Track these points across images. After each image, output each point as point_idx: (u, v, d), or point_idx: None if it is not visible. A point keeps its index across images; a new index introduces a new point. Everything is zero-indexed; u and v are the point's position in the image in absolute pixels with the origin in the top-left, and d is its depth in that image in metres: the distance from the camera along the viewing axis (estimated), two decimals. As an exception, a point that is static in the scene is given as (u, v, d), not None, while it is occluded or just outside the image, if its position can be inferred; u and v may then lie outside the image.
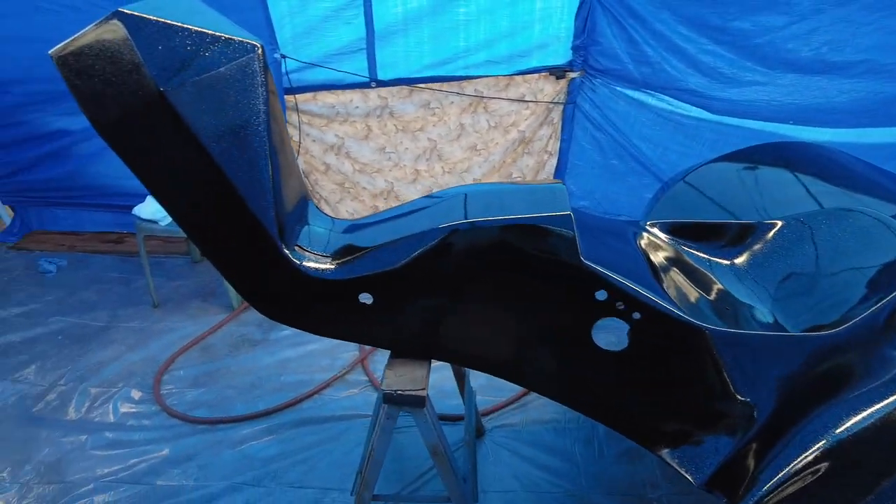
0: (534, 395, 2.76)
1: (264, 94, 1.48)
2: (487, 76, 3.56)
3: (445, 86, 3.57)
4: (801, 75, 3.39)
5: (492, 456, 2.47)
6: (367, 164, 3.77)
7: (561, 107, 3.68)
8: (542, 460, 2.45)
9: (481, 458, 2.45)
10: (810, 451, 1.38)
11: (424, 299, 1.56)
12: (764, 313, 1.65)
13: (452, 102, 3.63)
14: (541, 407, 2.70)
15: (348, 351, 3.05)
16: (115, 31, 1.24)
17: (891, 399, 1.40)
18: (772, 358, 1.46)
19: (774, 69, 3.39)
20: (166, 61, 1.31)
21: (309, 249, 1.59)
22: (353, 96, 3.58)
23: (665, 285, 1.70)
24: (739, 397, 1.47)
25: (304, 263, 1.54)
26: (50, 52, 1.22)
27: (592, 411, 1.62)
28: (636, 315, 1.46)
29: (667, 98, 3.51)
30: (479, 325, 1.58)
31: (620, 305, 1.45)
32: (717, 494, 1.45)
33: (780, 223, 1.82)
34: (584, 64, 3.53)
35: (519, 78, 3.58)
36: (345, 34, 3.38)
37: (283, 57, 3.46)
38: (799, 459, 1.38)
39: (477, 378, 2.77)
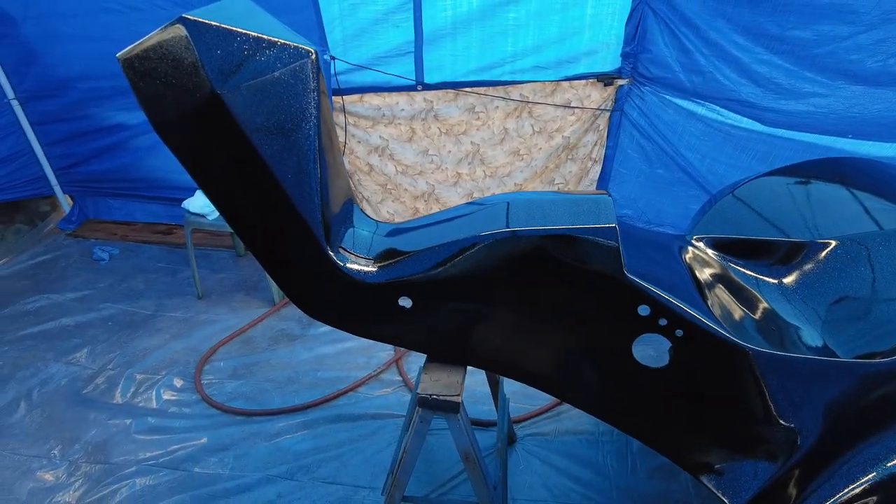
0: (567, 405, 2.73)
1: (316, 98, 1.51)
2: (534, 81, 3.54)
3: (491, 90, 3.57)
4: (864, 87, 3.26)
5: (522, 464, 2.46)
6: (409, 165, 3.80)
7: (607, 114, 3.64)
8: (573, 471, 2.43)
9: (512, 466, 2.44)
10: (858, 483, 1.32)
11: (463, 306, 1.56)
12: (812, 336, 1.59)
13: (497, 107, 3.62)
14: (574, 417, 2.67)
15: (384, 350, 3.08)
16: (177, 34, 1.29)
17: None
18: (819, 383, 1.41)
19: (835, 80, 3.27)
20: (224, 64, 1.36)
21: (352, 251, 1.61)
22: (399, 99, 3.62)
23: (709, 303, 1.67)
24: (783, 422, 1.42)
25: (348, 265, 1.57)
26: (117, 55, 1.27)
27: (628, 427, 1.60)
28: (678, 332, 1.43)
29: (717, 108, 3.43)
30: (516, 334, 1.58)
31: (663, 321, 1.43)
32: None
33: (833, 243, 1.76)
34: (633, 71, 3.47)
35: (566, 84, 3.56)
36: (394, 37, 3.42)
37: (333, 59, 3.51)
38: (846, 491, 1.33)
39: (510, 385, 2.77)
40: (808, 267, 1.77)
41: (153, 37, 1.28)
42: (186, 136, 1.43)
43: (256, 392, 2.83)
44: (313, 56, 1.50)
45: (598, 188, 3.88)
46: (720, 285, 1.76)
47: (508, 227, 1.49)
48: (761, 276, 1.79)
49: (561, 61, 3.47)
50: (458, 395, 1.59)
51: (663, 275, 1.57)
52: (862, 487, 1.32)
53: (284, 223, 1.53)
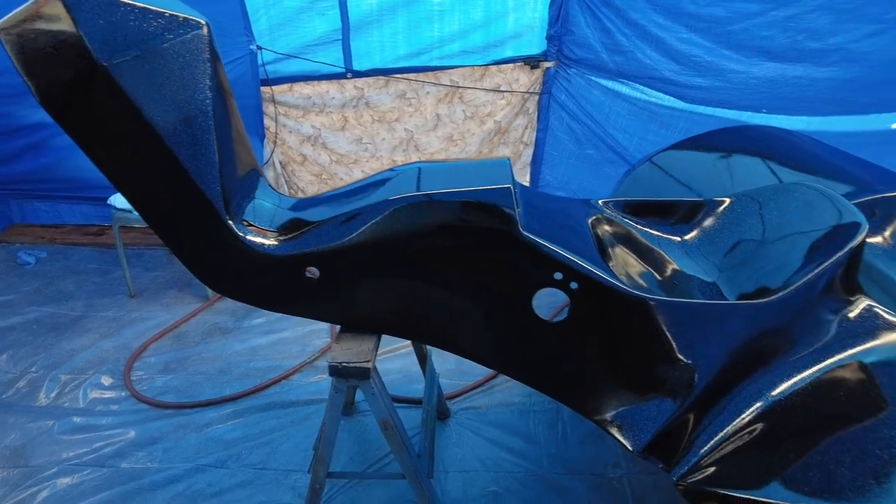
0: (501, 378, 2.77)
1: (210, 69, 1.50)
2: (463, 66, 3.58)
3: (421, 76, 3.59)
4: (777, 63, 3.41)
5: (455, 437, 2.48)
6: (343, 154, 3.79)
7: (536, 97, 3.70)
8: (505, 441, 2.46)
9: (444, 440, 2.46)
10: (746, 413, 1.39)
11: (368, 274, 1.57)
12: (708, 284, 1.66)
13: (428, 93, 3.64)
14: (506, 390, 2.71)
15: (320, 338, 3.06)
16: (54, 3, 1.26)
17: (825, 363, 1.42)
18: (711, 326, 1.47)
19: (751, 57, 3.40)
20: (108, 36, 1.33)
21: (255, 224, 1.60)
22: (330, 87, 3.61)
23: (610, 258, 1.72)
24: (679, 366, 1.48)
25: (249, 238, 1.56)
26: (-8, 27, 1.23)
27: (537, 382, 1.64)
28: (573, 285, 1.47)
29: (641, 87, 3.53)
30: (421, 298, 1.60)
31: (558, 275, 1.47)
32: (654, 461, 1.46)
33: (728, 200, 1.83)
34: (559, 54, 3.55)
35: (494, 68, 3.60)
36: (320, 25, 3.40)
37: (259, 48, 3.48)
38: (735, 422, 1.39)
39: (446, 362, 2.80)
40: (706, 223, 1.84)
41: (29, 6, 1.25)
42: (77, 113, 1.40)
43: (188, 385, 2.77)
44: (205, 27, 1.49)
45: (531, 171, 3.94)
46: (623, 243, 1.81)
47: (407, 194, 1.51)
48: (663, 234, 1.85)
49: (488, 45, 3.51)
50: (368, 361, 1.60)
51: (563, 234, 1.61)
52: (750, 417, 1.39)
53: (182, 197, 1.51)
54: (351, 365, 1.60)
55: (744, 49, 3.36)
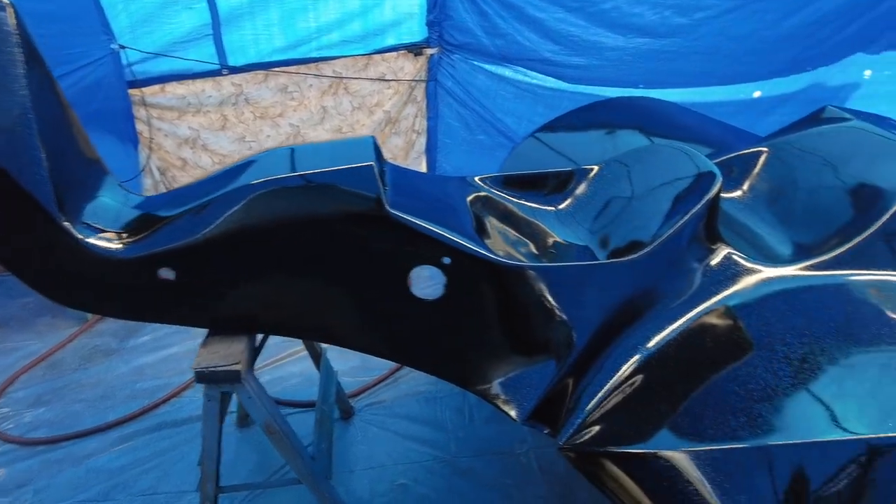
0: (405, 370, 2.72)
1: (21, 56, 1.34)
2: (344, 56, 3.49)
3: (302, 68, 3.47)
4: (649, 39, 3.55)
5: (360, 435, 2.40)
6: (226, 155, 3.60)
7: (423, 85, 3.67)
8: (412, 432, 2.41)
9: (349, 439, 2.38)
10: (623, 369, 1.41)
11: (231, 270, 1.47)
12: (583, 249, 1.68)
13: (311, 85, 3.53)
14: (412, 380, 2.66)
15: (214, 349, 2.88)
16: None
17: (692, 312, 1.45)
18: (583, 288, 1.47)
19: (624, 34, 3.53)
20: None
21: (97, 225, 1.46)
22: (205, 85, 3.41)
23: (487, 232, 1.70)
24: (557, 330, 1.47)
25: (90, 240, 1.41)
26: None
27: (422, 363, 1.59)
28: (445, 260, 1.43)
29: (523, 70, 3.58)
30: (294, 290, 1.51)
31: (429, 252, 1.42)
32: (540, 428, 1.46)
33: (597, 167, 1.87)
34: (441, 40, 3.53)
35: (377, 57, 3.54)
36: (188, 20, 3.21)
37: (122, 47, 3.24)
38: (613, 379, 1.40)
39: (349, 360, 2.72)
40: (578, 191, 1.87)
41: None
42: None
43: (64, 416, 2.53)
44: (10, 10, 1.33)
45: (427, 159, 3.91)
46: (499, 217, 1.80)
47: (264, 179, 1.42)
48: (538, 205, 1.85)
49: (367, 34, 3.44)
50: (237, 363, 1.49)
51: (435, 211, 1.57)
52: (627, 372, 1.40)
53: (6, 201, 1.35)
54: (219, 369, 1.49)
55: (617, 27, 3.48)
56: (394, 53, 3.53)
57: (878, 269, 1.53)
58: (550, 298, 1.46)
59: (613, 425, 1.36)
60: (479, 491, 2.17)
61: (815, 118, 2.05)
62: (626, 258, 1.48)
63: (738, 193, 1.96)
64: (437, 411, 2.50)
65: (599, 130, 2.30)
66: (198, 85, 3.40)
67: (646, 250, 1.47)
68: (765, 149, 2.01)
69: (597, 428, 1.37)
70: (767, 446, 1.15)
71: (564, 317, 1.47)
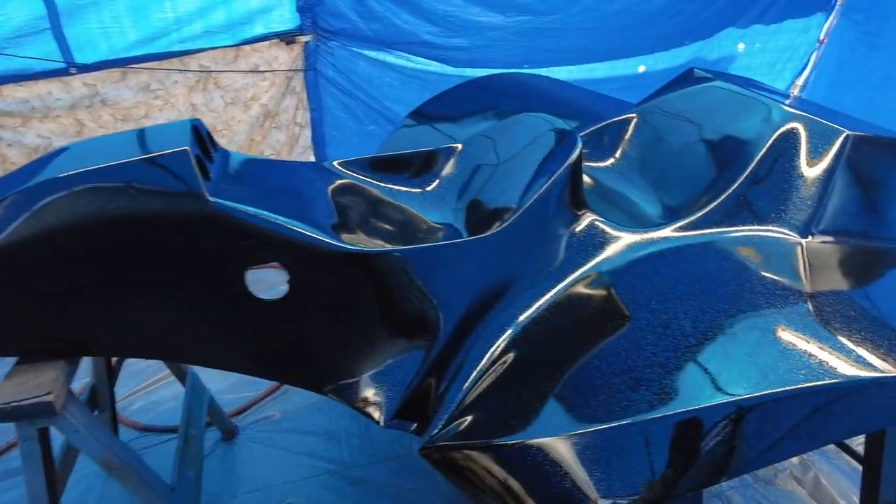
0: (295, 379, 2.53)
1: None
2: (211, 48, 3.23)
3: (164, 63, 3.18)
4: (531, 16, 3.50)
5: (244, 455, 2.20)
6: (86, 163, 3.26)
7: (301, 75, 3.47)
8: (303, 446, 2.24)
9: (233, 461, 2.17)
10: (497, 344, 1.32)
11: (33, 285, 1.24)
12: (450, 228, 1.56)
13: (177, 82, 3.25)
14: (303, 392, 2.43)
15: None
16: None
17: (561, 284, 1.38)
18: (444, 270, 1.35)
19: (504, 12, 3.46)
20: None
21: None
22: (51, 87, 3.06)
23: (345, 219, 1.55)
24: (418, 320, 1.35)
25: None
26: None
27: (278, 373, 1.43)
28: (286, 254, 1.27)
29: (405, 54, 3.45)
30: (114, 300, 1.30)
31: (260, 244, 1.26)
32: (405, 427, 1.33)
33: (461, 144, 1.76)
34: (315, 26, 3.33)
35: (248, 48, 3.30)
36: (17, 12, 2.84)
37: (-59, 47, 2.84)
38: (487, 356, 1.31)
39: (229, 376, 2.49)
40: (445, 170, 1.75)
41: None
42: None
43: None
44: None
45: (314, 154, 3.71)
46: (358, 202, 1.66)
47: (61, 175, 1.21)
48: (403, 188, 1.73)
49: (234, 23, 3.20)
50: (48, 393, 1.27)
51: (275, 199, 1.41)
52: (495, 355, 1.30)
53: None
54: (26, 403, 1.26)
55: (495, 5, 3.41)
56: (265, 43, 3.31)
57: (747, 224, 1.50)
58: (407, 285, 1.33)
59: (482, 417, 1.24)
60: (376, 500, 2.03)
61: (682, 80, 2.03)
62: (484, 234, 1.37)
63: (609, 162, 1.91)
64: (330, 421, 2.33)
65: (473, 108, 2.20)
66: (41, 86, 3.04)
67: (505, 224, 1.37)
68: (634, 115, 1.98)
69: (465, 421, 1.25)
70: (640, 422, 1.06)
71: (424, 304, 1.34)
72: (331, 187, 1.65)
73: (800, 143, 1.53)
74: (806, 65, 4.88)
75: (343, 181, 1.71)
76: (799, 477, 1.99)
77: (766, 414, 1.08)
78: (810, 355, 1.11)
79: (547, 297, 1.37)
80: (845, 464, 2.04)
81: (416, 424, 1.32)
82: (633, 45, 3.82)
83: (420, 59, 3.45)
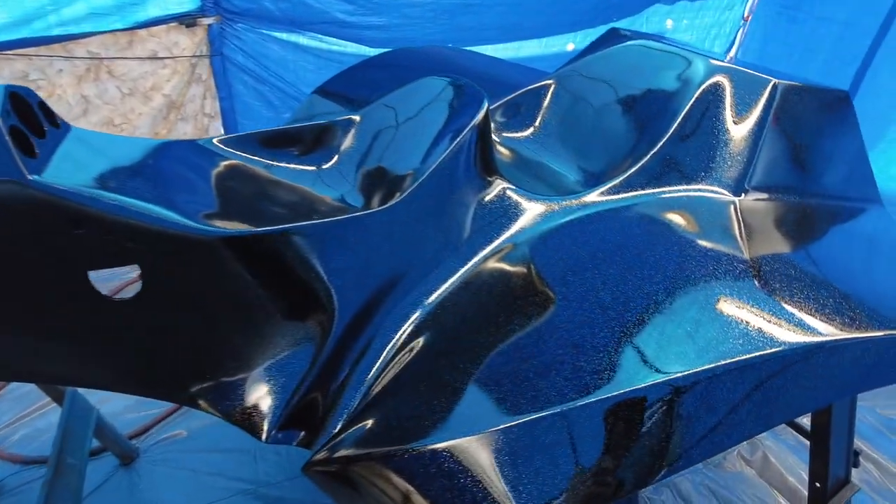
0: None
1: None
2: (99, 33, 2.91)
3: (44, 50, 2.84)
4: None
5: (145, 481, 1.94)
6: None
7: (207, 60, 3.18)
8: (212, 465, 1.99)
9: (130, 489, 1.91)
10: (404, 328, 1.14)
11: None
12: (346, 205, 1.36)
13: (61, 70, 2.91)
14: (213, 403, 2.22)
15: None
16: None
17: (470, 263, 1.20)
18: (332, 251, 1.15)
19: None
20: None
21: None
22: (-90, 80, 2.69)
23: (223, 201, 1.33)
24: (305, 313, 1.14)
25: None
26: None
27: (140, 387, 1.19)
28: (130, 244, 1.04)
29: (319, 36, 3.21)
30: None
31: (98, 231, 1.02)
32: (292, 439, 1.13)
33: (358, 117, 1.57)
34: (218, 7, 3.06)
35: (143, 32, 3.00)
36: None
37: None
38: (392, 343, 1.13)
39: (124, 397, 2.23)
40: (343, 144, 1.55)
41: None
42: None
43: None
44: None
45: (228, 148, 3.43)
46: (237, 182, 1.44)
47: None
48: (296, 165, 1.51)
49: (123, 4, 2.88)
50: None
51: (124, 179, 1.17)
52: (404, 338, 1.13)
53: None
54: None
55: (413, -18, 3.22)
56: (162, 26, 3.01)
57: (675, 185, 1.36)
58: (290, 271, 1.12)
59: (383, 421, 1.05)
60: (294, 520, 1.82)
61: (604, 41, 1.90)
62: (380, 207, 1.17)
63: (527, 132, 1.75)
64: (244, 436, 2.07)
65: (381, 82, 2.00)
66: None
67: (404, 195, 1.18)
68: (551, 81, 1.83)
69: (363, 427, 1.05)
70: (553, 415, 0.89)
71: (312, 292, 1.14)
72: (205, 167, 1.42)
73: (727, 95, 1.40)
74: (733, 42, 4.90)
75: (222, 160, 1.48)
76: (747, 457, 1.89)
77: (705, 394, 0.93)
78: (749, 323, 0.97)
79: (456, 276, 1.19)
80: (792, 439, 1.95)
81: (303, 434, 1.12)
82: (560, 22, 3.70)
83: (335, 40, 3.23)
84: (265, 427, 1.12)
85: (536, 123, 1.75)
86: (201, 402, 1.17)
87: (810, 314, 1.02)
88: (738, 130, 1.36)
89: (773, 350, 0.91)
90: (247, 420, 1.13)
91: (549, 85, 1.81)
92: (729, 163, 1.34)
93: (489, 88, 1.89)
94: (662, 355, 0.91)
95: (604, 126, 1.62)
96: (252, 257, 1.10)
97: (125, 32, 2.96)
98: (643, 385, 0.81)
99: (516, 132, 1.75)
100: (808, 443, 1.97)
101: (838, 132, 1.48)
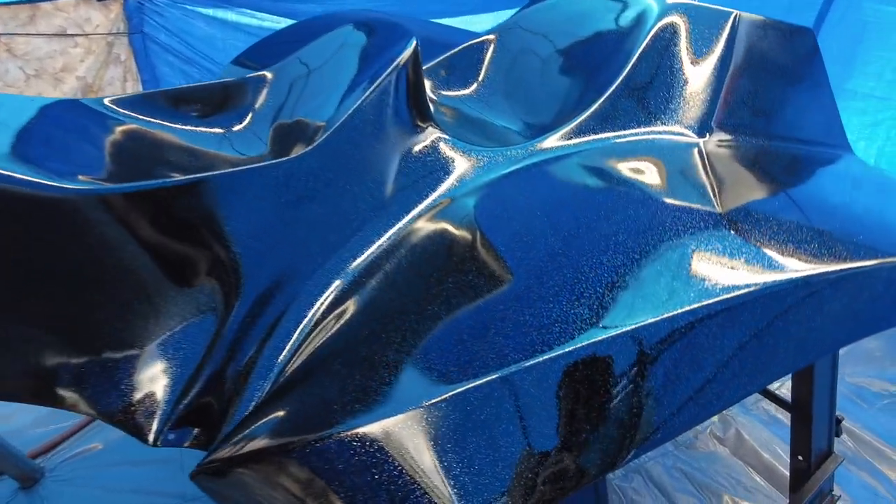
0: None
1: None
2: (-4, 8, 2.62)
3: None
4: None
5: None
6: None
7: (125, 39, 2.91)
8: (131, 479, 1.76)
9: (32, 516, 1.67)
10: (323, 299, 0.95)
11: None
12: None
13: (-47, 50, 2.61)
14: (132, 411, 1.98)
15: None
16: None
17: (410, 215, 1.03)
18: (241, 208, 0.95)
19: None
20: None
21: None
22: None
23: (94, 163, 1.11)
24: (205, 283, 0.94)
25: None
26: None
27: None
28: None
29: (248, 11, 2.98)
30: None
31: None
32: (184, 439, 0.93)
33: (270, 73, 1.37)
34: (133, -21, 2.81)
35: (47, 6, 2.70)
36: None
37: None
38: (305, 324, 0.94)
39: (31, 410, 1.97)
40: (257, 102, 1.35)
41: None
42: None
43: None
44: None
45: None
46: (129, 145, 1.22)
47: None
48: (199, 127, 1.31)
49: (22, -26, 2.61)
50: None
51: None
52: (328, 301, 0.95)
53: None
54: None
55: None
56: (69, 0, 2.73)
57: (631, 128, 1.21)
58: (173, 236, 0.91)
59: (291, 411, 0.85)
60: (225, 537, 1.60)
61: (543, -8, 1.74)
62: (288, 157, 0.98)
63: (468, 90, 1.58)
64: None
65: (301, 45, 1.82)
66: None
67: (318, 142, 0.99)
68: (492, 36, 1.66)
69: (268, 421, 0.85)
70: (496, 379, 0.70)
71: (203, 263, 0.93)
72: (85, 127, 1.20)
73: (685, 31, 1.26)
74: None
75: (109, 120, 1.26)
76: (720, 435, 1.76)
77: (679, 347, 0.76)
78: (723, 264, 0.81)
79: (384, 237, 1.01)
80: (763, 413, 1.84)
81: (200, 431, 0.92)
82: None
83: (267, 15, 3.00)
84: (153, 426, 0.92)
85: (479, 80, 1.58)
86: (76, 402, 0.95)
87: (791, 252, 0.88)
88: (700, 66, 1.22)
89: (753, 288, 0.76)
90: (130, 419, 0.93)
91: (490, 40, 1.65)
92: (691, 101, 1.19)
93: (424, 50, 1.72)
94: (624, 302, 0.73)
95: (552, 77, 1.46)
96: (125, 219, 0.89)
97: (24, 6, 2.66)
98: (602, 337, 0.64)
99: (455, 91, 1.57)
100: (780, 416, 1.87)
101: (804, 73, 1.36)
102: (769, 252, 0.86)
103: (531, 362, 0.60)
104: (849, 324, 0.89)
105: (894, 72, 3.28)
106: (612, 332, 0.64)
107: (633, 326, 0.65)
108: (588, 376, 0.62)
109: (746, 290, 0.75)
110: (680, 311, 0.68)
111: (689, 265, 0.78)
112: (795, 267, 0.83)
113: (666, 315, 0.67)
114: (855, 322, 0.89)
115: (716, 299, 0.71)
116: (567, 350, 0.61)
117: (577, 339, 0.62)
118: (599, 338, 0.63)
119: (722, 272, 0.78)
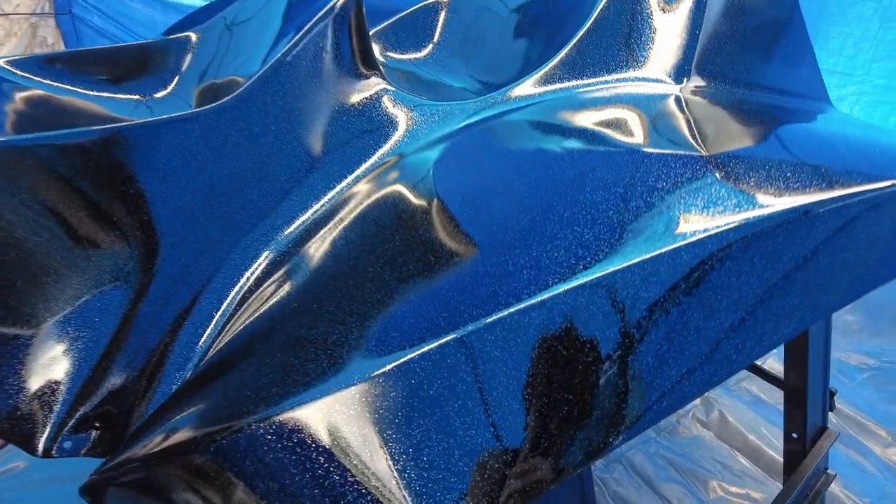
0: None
1: None
2: None
3: None
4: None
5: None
6: None
7: (52, 21, 2.69)
8: (65, 496, 1.57)
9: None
10: (254, 269, 0.82)
11: None
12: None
13: None
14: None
15: None
16: None
17: (352, 175, 0.89)
18: (140, 168, 0.79)
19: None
20: None
21: None
22: None
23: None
24: (98, 258, 0.78)
25: None
26: None
27: None
28: None
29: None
30: None
31: None
32: (81, 447, 0.78)
33: (195, 35, 1.23)
34: (59, -44, 2.59)
35: (-38, -15, 2.48)
36: None
37: None
38: (236, 292, 0.81)
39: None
40: (182, 66, 1.20)
41: None
42: None
43: None
44: None
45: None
46: (28, 110, 1.06)
47: None
48: (110, 94, 1.14)
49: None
50: None
51: None
52: (257, 274, 0.81)
53: None
54: None
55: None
56: (-12, -22, 2.51)
57: (601, 75, 1.09)
58: (64, 200, 0.76)
59: (210, 401, 0.71)
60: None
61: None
62: (207, 107, 0.83)
63: (422, 52, 1.45)
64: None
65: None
66: None
67: (239, 92, 0.84)
68: (444, -1, 1.53)
69: (184, 417, 0.71)
70: (448, 342, 0.56)
71: (104, 232, 0.78)
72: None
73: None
74: None
75: (10, 86, 1.09)
76: (703, 419, 1.66)
77: (665, 294, 0.63)
78: (712, 204, 0.69)
79: (323, 200, 0.87)
80: (746, 393, 1.75)
81: (101, 435, 0.77)
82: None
83: (211, -5, 2.81)
84: (44, 433, 0.76)
85: (433, 42, 1.45)
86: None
87: (785, 185, 0.76)
88: (675, 9, 1.11)
89: (750, 220, 0.64)
90: (15, 428, 0.76)
91: (440, 3, 1.52)
92: (667, 45, 1.07)
93: (370, 14, 1.59)
94: (608, 239, 0.60)
95: (514, 34, 1.34)
96: (14, 178, 0.73)
97: (-61, -14, 2.43)
98: (583, 281, 0.50)
99: (407, 54, 1.44)
100: (764, 396, 1.79)
101: (784, 24, 1.27)
102: (761, 187, 0.74)
103: (494, 317, 0.46)
104: (859, 270, 0.78)
105: (854, 46, 3.28)
106: (597, 274, 0.50)
107: (622, 265, 0.52)
108: (567, 333, 0.49)
109: (743, 223, 0.63)
110: (676, 245, 0.55)
111: (677, 205, 0.66)
112: (792, 199, 0.71)
113: (660, 251, 0.54)
114: (864, 268, 0.79)
115: (712, 233, 0.59)
116: (539, 299, 0.47)
117: (552, 287, 0.49)
118: (580, 281, 0.50)
119: (713, 210, 0.66)
